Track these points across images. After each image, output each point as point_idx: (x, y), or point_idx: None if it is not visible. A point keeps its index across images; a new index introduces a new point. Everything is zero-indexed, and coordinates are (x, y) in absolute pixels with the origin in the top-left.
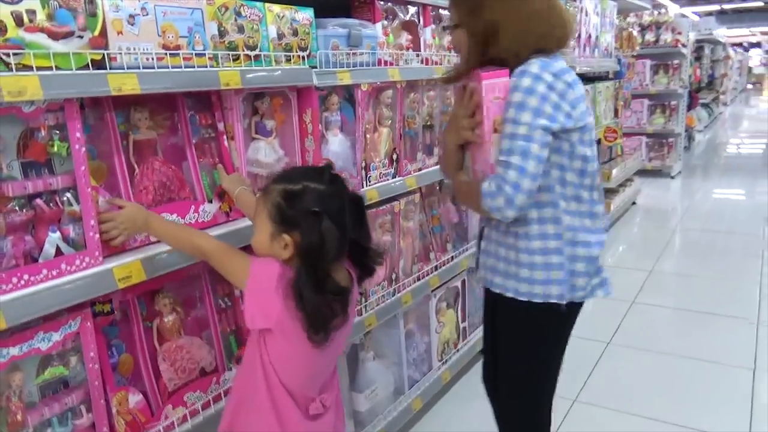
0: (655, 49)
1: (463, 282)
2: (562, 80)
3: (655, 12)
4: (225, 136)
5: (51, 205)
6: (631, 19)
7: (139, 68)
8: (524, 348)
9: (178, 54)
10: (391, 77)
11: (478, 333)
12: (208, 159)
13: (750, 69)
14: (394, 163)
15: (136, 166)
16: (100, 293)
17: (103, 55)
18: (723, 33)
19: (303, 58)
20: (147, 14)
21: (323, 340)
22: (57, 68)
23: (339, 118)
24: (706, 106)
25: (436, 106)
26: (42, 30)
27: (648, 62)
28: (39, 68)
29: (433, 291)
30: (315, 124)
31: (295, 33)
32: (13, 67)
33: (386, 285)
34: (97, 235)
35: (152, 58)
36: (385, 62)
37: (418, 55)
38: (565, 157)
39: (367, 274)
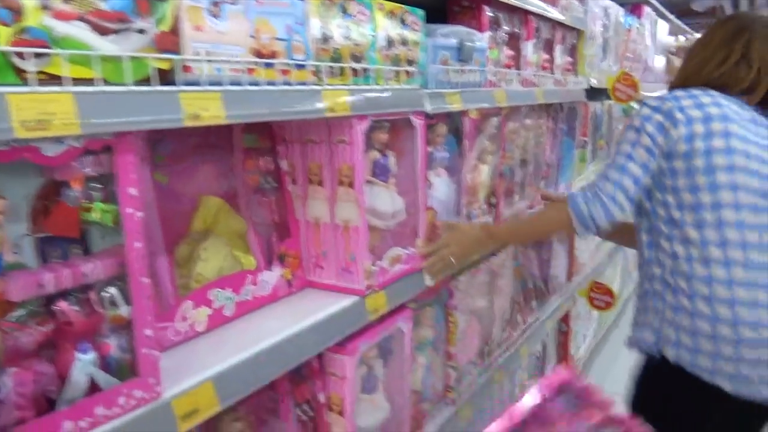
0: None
1: (543, 344)
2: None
3: (681, 38)
4: (289, 180)
5: (85, 309)
6: None
7: (221, 84)
8: None
9: (273, 65)
10: (497, 101)
11: None
12: (265, 211)
13: None
14: (492, 208)
15: None
16: None
17: (174, 62)
18: None
19: (412, 74)
20: (236, 3)
21: None
22: (105, 82)
23: (446, 154)
24: None
25: (531, 136)
26: (83, 17)
27: None
28: (76, 81)
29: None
30: (423, 163)
31: (404, 42)
32: (35, 78)
33: (478, 361)
34: (154, 353)
35: (243, 70)
36: (489, 82)
37: (519, 75)
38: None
39: None
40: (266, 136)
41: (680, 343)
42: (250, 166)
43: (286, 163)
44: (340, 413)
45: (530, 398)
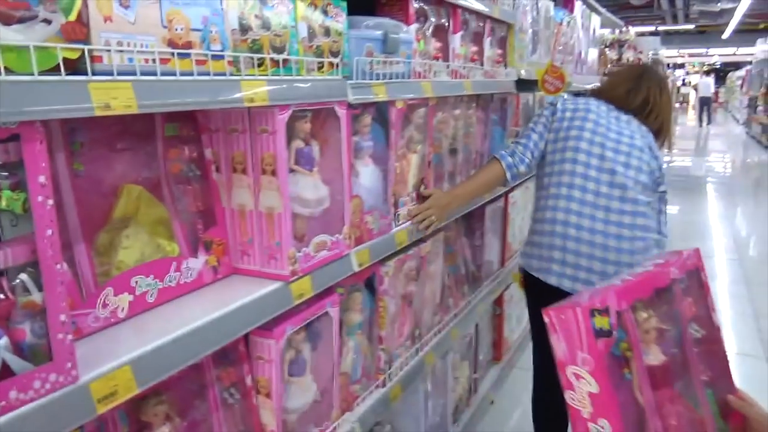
0: (618, 67)
1: (476, 327)
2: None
3: (617, 30)
4: (213, 168)
5: None
6: None
7: (135, 74)
8: None
9: (188, 55)
10: (425, 92)
11: (487, 382)
12: (189, 201)
13: (678, 89)
14: (422, 196)
15: None
16: (67, 428)
17: (83, 51)
18: (663, 53)
19: (336, 65)
20: None
21: None
22: (8, 71)
23: (372, 143)
24: None
25: (460, 126)
26: None
27: None
28: None
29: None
30: (348, 152)
31: (327, 33)
32: None
33: (409, 344)
34: (69, 337)
35: (155, 60)
36: (417, 74)
37: (448, 67)
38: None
39: None
40: (189, 125)
41: (525, 253)
42: (173, 154)
43: (210, 152)
44: (268, 395)
45: (671, 272)
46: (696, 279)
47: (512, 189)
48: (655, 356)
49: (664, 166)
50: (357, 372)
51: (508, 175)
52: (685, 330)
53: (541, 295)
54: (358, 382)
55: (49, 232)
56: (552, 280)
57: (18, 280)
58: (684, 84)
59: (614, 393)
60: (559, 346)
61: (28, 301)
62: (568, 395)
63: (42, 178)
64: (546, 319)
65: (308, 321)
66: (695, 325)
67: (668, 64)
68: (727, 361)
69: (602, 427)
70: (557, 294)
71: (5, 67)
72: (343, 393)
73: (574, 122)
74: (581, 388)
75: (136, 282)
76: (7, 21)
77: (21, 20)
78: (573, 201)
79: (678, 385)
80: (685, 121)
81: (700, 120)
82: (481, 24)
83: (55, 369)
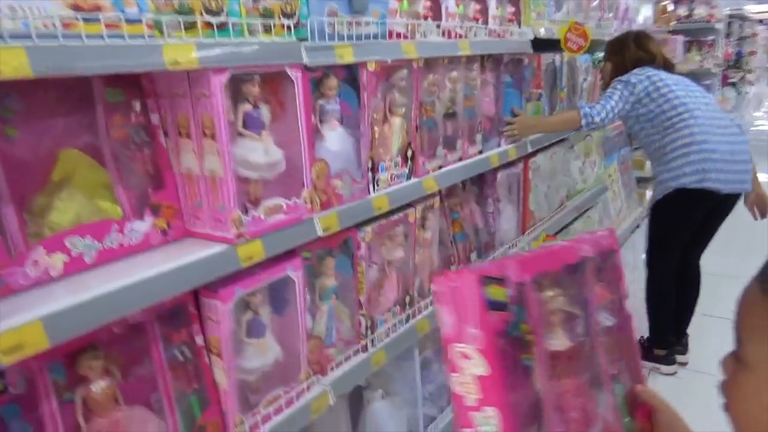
0: (688, 24)
1: None
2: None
3: None
4: (161, 133)
5: None
6: None
7: (31, 38)
8: None
9: (98, 20)
10: (405, 54)
11: None
12: (137, 165)
13: None
14: (409, 161)
15: None
16: None
17: None
18: (750, 8)
19: (288, 27)
20: None
21: None
22: None
23: (338, 106)
24: (733, 85)
25: (459, 89)
26: None
27: (680, 38)
28: None
29: None
30: (305, 115)
31: None
32: None
33: (398, 311)
34: None
35: (55, 25)
36: (398, 34)
37: (438, 27)
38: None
39: None
40: (134, 90)
41: (672, 178)
42: (117, 120)
43: (157, 117)
44: (219, 355)
45: (582, 248)
46: (610, 262)
47: (534, 154)
48: (559, 341)
49: None
50: (332, 336)
51: (583, 122)
52: (595, 316)
53: (695, 202)
54: (334, 346)
55: None
56: (708, 185)
57: None
58: None
59: (506, 378)
60: (444, 319)
61: None
62: (452, 379)
63: None
64: (434, 288)
65: (267, 284)
66: (606, 312)
67: (761, 20)
68: (637, 353)
69: (489, 417)
70: (711, 196)
71: None
72: (315, 356)
73: (654, 83)
74: (468, 369)
75: (72, 243)
76: None
77: None
78: (697, 126)
79: (585, 376)
80: None
81: None
82: None
83: None
